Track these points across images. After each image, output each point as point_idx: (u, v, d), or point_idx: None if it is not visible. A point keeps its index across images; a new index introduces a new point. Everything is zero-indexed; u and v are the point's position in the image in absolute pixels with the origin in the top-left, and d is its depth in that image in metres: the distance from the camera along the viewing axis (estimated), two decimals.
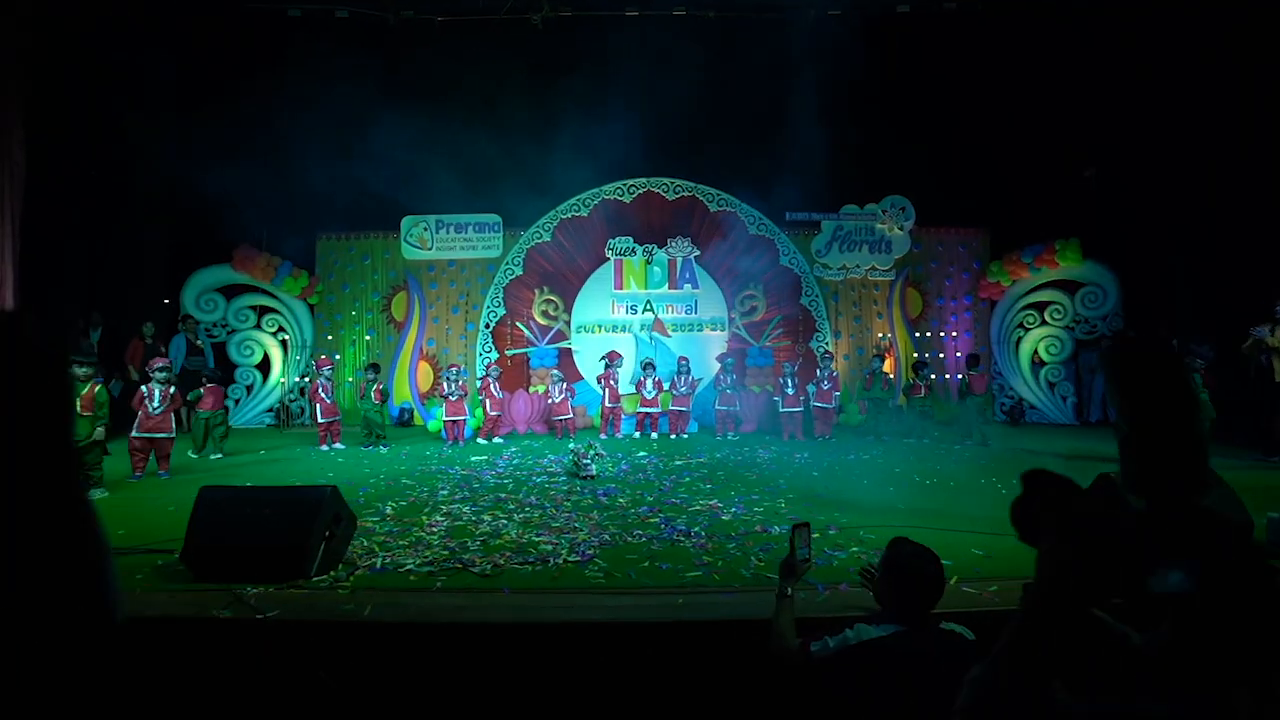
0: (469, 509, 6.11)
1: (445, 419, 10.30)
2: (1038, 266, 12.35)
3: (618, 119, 13.44)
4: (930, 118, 12.66)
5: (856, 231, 13.01)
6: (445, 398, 10.31)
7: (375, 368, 10.36)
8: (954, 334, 13.11)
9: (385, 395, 10.20)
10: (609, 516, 5.83)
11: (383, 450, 9.73)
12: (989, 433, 10.37)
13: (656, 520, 5.66)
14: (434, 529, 5.42)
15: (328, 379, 10.22)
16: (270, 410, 12.77)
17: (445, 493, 6.83)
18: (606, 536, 5.19)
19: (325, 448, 9.92)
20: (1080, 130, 12.47)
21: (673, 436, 10.97)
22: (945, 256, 13.36)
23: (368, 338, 13.30)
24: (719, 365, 11.72)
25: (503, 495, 6.65)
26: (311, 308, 13.31)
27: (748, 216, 12.97)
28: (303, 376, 12.67)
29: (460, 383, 10.41)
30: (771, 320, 12.99)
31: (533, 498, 6.55)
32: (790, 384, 10.61)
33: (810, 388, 11.15)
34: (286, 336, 13.07)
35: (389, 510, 6.06)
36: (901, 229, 12.90)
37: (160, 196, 12.60)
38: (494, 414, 10.49)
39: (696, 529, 5.37)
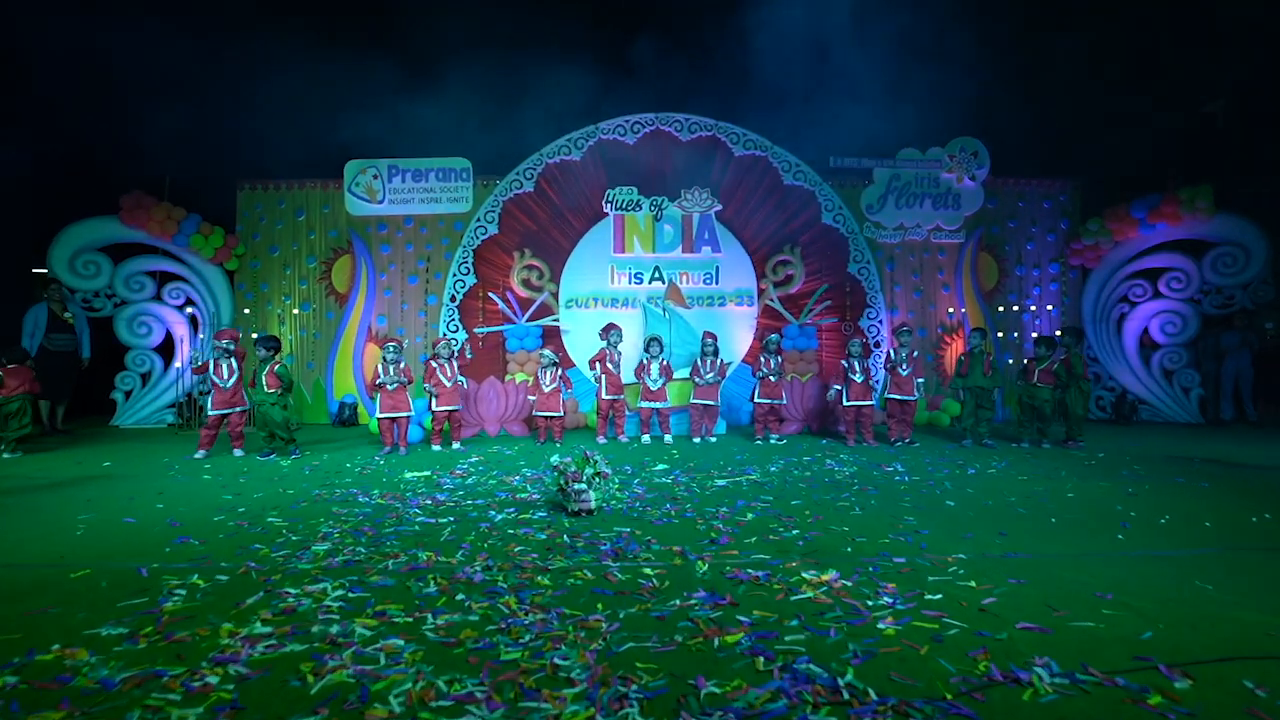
0: (339, 597, 2.84)
1: (380, 416, 6.99)
2: (1152, 222, 9.21)
3: (620, 38, 10.23)
4: (1007, 42, 9.57)
5: (917, 182, 9.83)
6: (380, 387, 7.02)
7: (273, 342, 6.96)
8: (1049, 307, 9.94)
9: (286, 381, 6.86)
10: (630, 623, 2.58)
11: (285, 462, 6.43)
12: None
13: (739, 641, 2.41)
14: (217, 669, 2.16)
15: (228, 352, 6.87)
16: (172, 406, 9.41)
17: (324, 547, 3.56)
18: (632, 709, 1.95)
19: (202, 454, 6.64)
20: (1198, 53, 9.41)
21: (696, 440, 7.72)
22: (1026, 214, 10.19)
23: (297, 312, 9.95)
24: (759, 346, 8.50)
25: (423, 561, 3.37)
26: (230, 275, 9.97)
27: (782, 162, 9.77)
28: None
29: (402, 366, 7.12)
30: (814, 292, 9.78)
31: (478, 566, 3.28)
32: (857, 369, 7.39)
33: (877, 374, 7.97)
34: (195, 311, 9.72)
35: (172, 603, 2.78)
36: (973, 179, 9.74)
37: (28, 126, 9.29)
38: (442, 410, 7.20)
39: (834, 662, 2.13)
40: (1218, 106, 9.34)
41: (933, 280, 10.05)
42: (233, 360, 6.91)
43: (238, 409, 6.90)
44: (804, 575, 3.07)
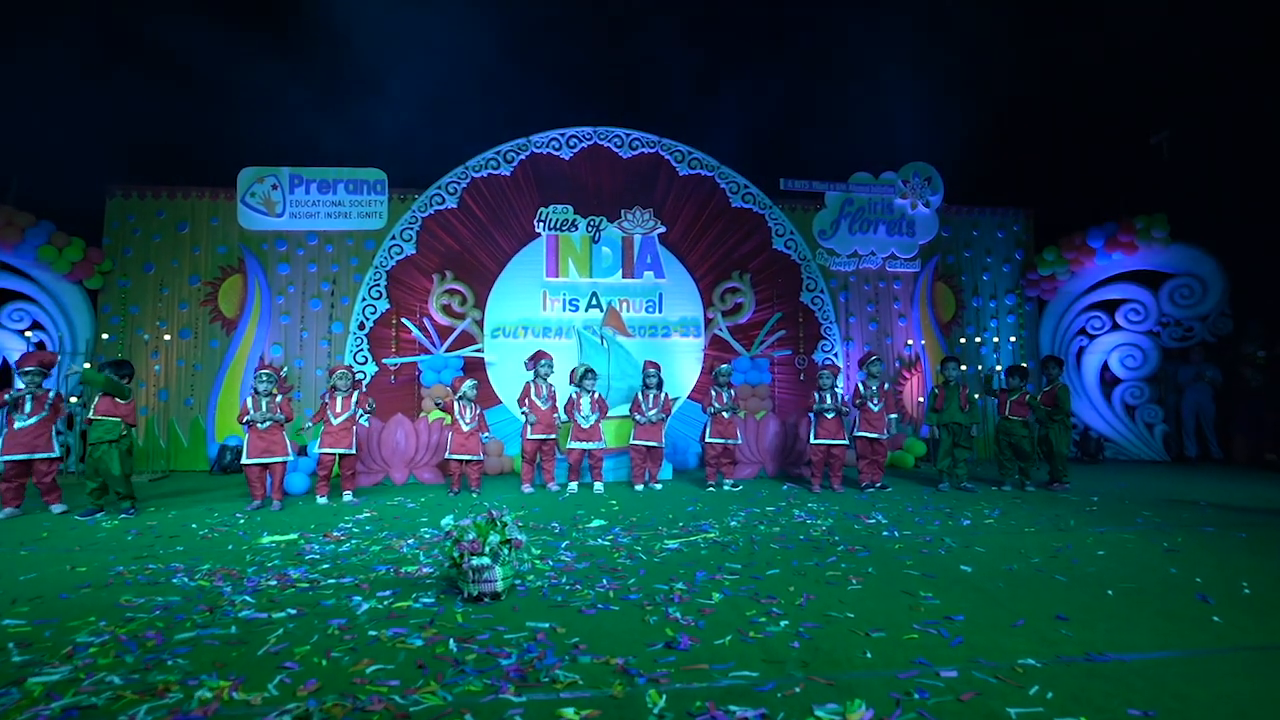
0: None
1: (247, 462, 5.51)
2: (1109, 251, 8.73)
3: (555, 43, 9.28)
4: (960, 66, 9.10)
5: (870, 208, 9.14)
6: (248, 425, 5.55)
7: (120, 368, 5.45)
8: (1011, 339, 9.28)
9: (109, 386, 5.32)
10: None
11: (108, 524, 4.88)
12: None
13: None
14: None
15: (36, 388, 5.34)
16: None
17: (54, 676, 2.17)
18: None
19: (8, 513, 5.06)
20: (1146, 84, 9.14)
21: (638, 488, 6.49)
22: (980, 243, 9.62)
23: (169, 338, 8.33)
24: (708, 381, 7.43)
25: (200, 706, 2.03)
26: (93, 295, 8.31)
27: (729, 183, 8.92)
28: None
29: (279, 402, 5.68)
30: (765, 322, 8.83)
31: (290, 711, 1.97)
32: (829, 403, 6.35)
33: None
34: (43, 337, 8.00)
35: None
36: (927, 206, 9.13)
37: None
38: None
39: None
40: (1163, 138, 9.06)
41: (889, 311, 9.28)
42: (47, 391, 5.39)
43: (41, 455, 5.30)
44: (818, 716, 1.90)
